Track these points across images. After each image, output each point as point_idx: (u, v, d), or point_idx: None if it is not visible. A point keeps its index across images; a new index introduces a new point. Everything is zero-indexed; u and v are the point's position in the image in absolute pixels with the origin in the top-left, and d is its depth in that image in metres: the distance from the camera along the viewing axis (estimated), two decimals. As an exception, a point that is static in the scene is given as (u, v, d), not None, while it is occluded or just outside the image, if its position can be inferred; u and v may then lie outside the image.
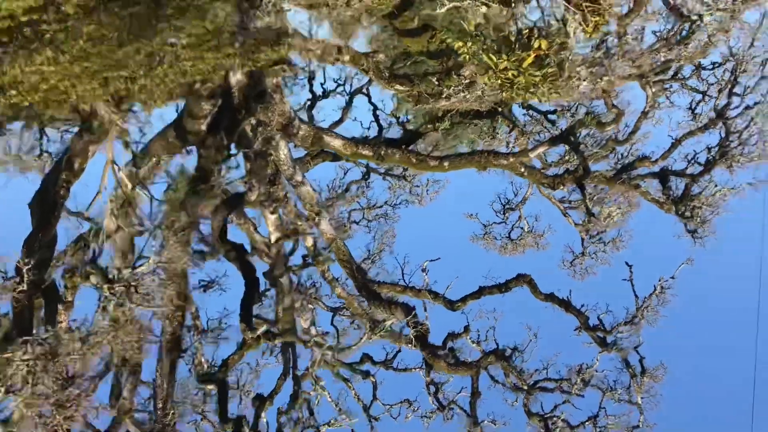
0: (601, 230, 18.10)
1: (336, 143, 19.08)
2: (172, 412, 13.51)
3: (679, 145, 19.52)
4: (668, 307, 19.08)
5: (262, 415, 18.59)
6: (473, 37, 14.84)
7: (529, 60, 13.65)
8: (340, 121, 22.93)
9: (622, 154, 19.13)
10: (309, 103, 22.73)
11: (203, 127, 16.83)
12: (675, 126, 20.45)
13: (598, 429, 17.88)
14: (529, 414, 17.87)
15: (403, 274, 21.90)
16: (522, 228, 24.77)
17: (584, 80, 13.45)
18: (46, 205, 13.54)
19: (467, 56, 15.01)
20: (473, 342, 20.62)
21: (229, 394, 14.72)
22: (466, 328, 20.46)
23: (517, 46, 14.25)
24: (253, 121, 17.43)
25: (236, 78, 16.70)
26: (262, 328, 14.54)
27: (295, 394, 20.07)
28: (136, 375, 14.12)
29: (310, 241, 19.48)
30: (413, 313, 19.23)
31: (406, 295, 20.62)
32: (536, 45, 13.76)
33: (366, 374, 21.39)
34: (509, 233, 25.26)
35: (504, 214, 25.26)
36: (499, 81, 14.44)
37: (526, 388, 17.81)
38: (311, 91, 22.48)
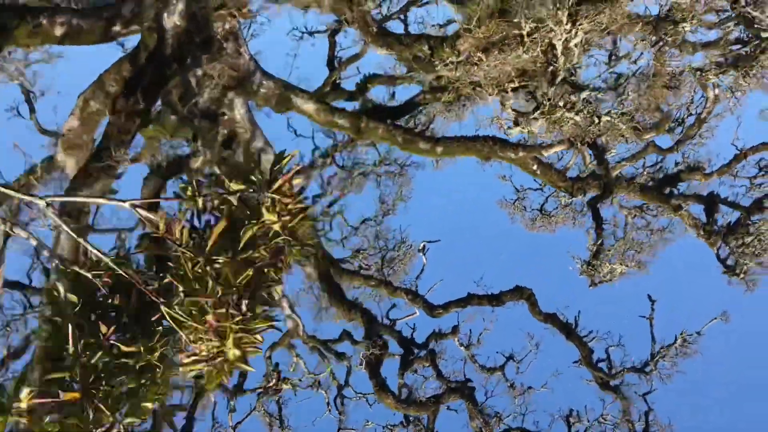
0: (602, 281, 14.21)
1: (307, 107, 15.34)
2: None
3: (744, 159, 14.94)
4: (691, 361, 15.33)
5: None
6: None
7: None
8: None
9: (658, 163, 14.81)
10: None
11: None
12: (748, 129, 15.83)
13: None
14: (489, 464, 14.81)
15: (383, 262, 18.89)
16: (559, 199, 21.31)
17: (576, 113, 9.06)
18: None
19: None
20: (461, 345, 18.03)
21: None
22: (455, 329, 17.86)
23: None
24: (199, 74, 14.27)
25: (172, 20, 13.28)
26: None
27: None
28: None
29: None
30: (374, 325, 16.34)
31: (380, 290, 17.66)
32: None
33: (341, 356, 19.05)
34: (542, 205, 21.88)
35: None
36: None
37: (491, 437, 14.67)
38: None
